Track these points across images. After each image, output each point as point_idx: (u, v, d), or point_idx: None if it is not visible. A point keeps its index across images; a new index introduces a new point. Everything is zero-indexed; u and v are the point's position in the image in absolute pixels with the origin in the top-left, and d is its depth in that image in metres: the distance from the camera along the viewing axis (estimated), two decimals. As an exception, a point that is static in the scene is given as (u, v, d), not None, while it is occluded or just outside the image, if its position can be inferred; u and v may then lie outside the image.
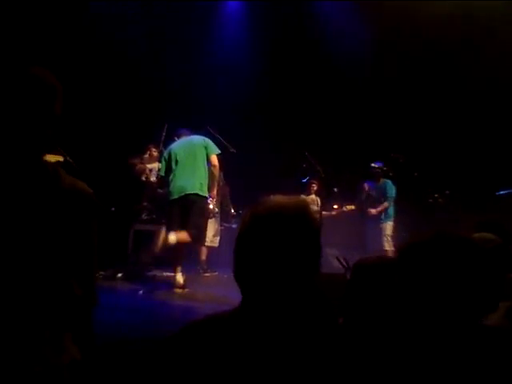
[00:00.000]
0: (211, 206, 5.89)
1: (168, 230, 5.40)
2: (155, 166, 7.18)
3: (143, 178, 7.15)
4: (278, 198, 1.28)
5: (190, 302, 4.83)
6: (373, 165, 6.97)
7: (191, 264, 6.28)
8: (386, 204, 6.91)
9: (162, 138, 6.98)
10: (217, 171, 5.61)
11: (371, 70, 7.75)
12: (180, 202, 5.36)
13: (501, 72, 6.82)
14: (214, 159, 5.59)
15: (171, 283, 5.42)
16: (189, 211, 5.30)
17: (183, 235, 5.17)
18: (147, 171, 7.21)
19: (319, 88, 8.09)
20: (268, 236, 1.21)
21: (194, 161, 5.53)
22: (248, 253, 1.24)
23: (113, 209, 6.85)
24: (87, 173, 5.99)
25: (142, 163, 7.08)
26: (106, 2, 7.21)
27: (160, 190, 7.06)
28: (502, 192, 6.65)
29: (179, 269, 5.30)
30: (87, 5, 7.16)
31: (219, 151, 5.70)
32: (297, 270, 1.21)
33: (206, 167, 5.57)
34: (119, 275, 5.90)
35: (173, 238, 5.15)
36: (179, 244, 5.17)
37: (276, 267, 1.20)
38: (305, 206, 1.28)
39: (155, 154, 7.11)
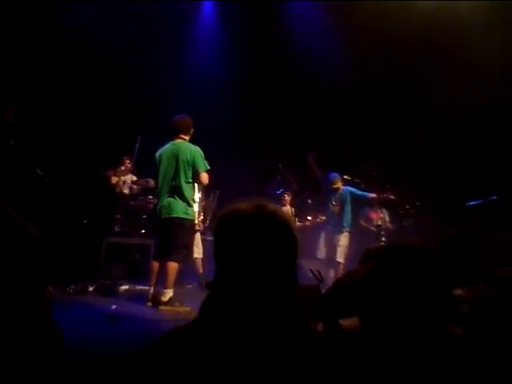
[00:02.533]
0: (196, 222, 5.71)
1: (153, 255, 5.40)
2: (128, 178, 7.10)
3: (117, 190, 7.07)
4: (245, 204, 1.27)
5: (162, 318, 4.75)
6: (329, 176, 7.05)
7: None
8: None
9: (136, 149, 6.91)
10: (204, 187, 5.34)
11: (347, 82, 7.84)
12: (166, 222, 5.17)
13: (471, 85, 7.00)
14: (204, 177, 5.14)
15: (144, 297, 5.33)
16: (175, 233, 5.10)
17: (169, 266, 5.05)
18: (120, 183, 7.13)
19: (293, 100, 8.16)
20: (241, 241, 1.20)
21: (178, 177, 5.11)
22: (220, 260, 1.23)
23: (85, 221, 6.74)
24: (59, 185, 5.93)
25: (116, 175, 7.00)
26: (80, 13, 7.14)
27: (132, 203, 7.00)
28: (471, 202, 6.77)
29: (166, 286, 5.10)
30: (60, 17, 7.07)
31: (208, 167, 5.17)
32: (270, 278, 1.20)
33: (191, 183, 5.18)
34: (91, 289, 5.80)
35: (156, 267, 5.21)
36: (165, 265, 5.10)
37: (249, 274, 1.19)
38: (276, 208, 1.26)
39: (129, 165, 7.03)
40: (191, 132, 5.31)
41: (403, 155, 7.66)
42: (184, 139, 5.26)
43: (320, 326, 1.77)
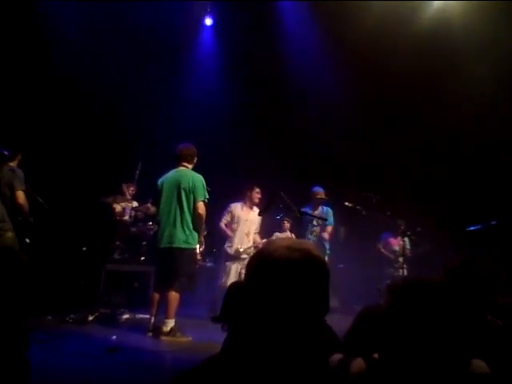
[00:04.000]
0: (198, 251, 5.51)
1: (154, 286, 5.37)
2: (129, 204, 7.09)
3: (116, 217, 7.04)
4: (284, 242, 1.28)
5: (164, 349, 4.68)
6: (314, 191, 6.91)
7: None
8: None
9: (136, 176, 6.92)
10: (201, 219, 5.12)
11: (343, 105, 7.91)
12: (166, 252, 5.10)
13: (460, 107, 7.10)
14: (201, 207, 5.06)
15: (145, 326, 5.27)
16: (176, 263, 5.04)
17: (170, 296, 4.99)
18: (120, 210, 7.12)
19: (291, 126, 8.22)
20: (277, 282, 1.20)
21: (180, 205, 5.05)
22: (254, 298, 1.23)
23: (84, 248, 6.70)
24: (58, 212, 5.91)
25: (116, 202, 6.99)
26: (73, 40, 7.19)
27: (132, 229, 6.97)
28: (471, 227, 6.78)
29: (167, 316, 5.01)
30: (51, 43, 7.13)
31: (207, 196, 5.12)
32: (302, 318, 1.21)
33: (192, 212, 5.08)
34: (90, 318, 5.72)
35: (156, 297, 5.19)
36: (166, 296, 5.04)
37: (282, 314, 1.20)
38: (311, 250, 1.27)
39: (133, 192, 7.05)
40: (194, 161, 5.31)
41: (403, 181, 7.70)
42: (187, 167, 5.25)
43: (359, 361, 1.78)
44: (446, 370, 1.36)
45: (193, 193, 5.07)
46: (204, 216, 5.12)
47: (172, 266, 5.05)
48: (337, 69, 7.76)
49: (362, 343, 1.92)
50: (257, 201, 6.58)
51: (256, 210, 6.45)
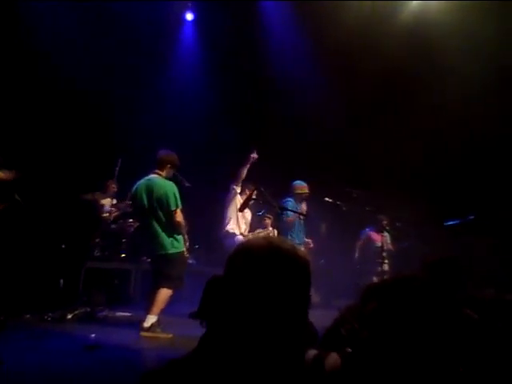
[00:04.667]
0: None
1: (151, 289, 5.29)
2: (107, 201, 7.03)
3: (101, 214, 6.99)
4: (265, 239, 1.28)
5: (143, 346, 4.65)
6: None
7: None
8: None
9: (116, 172, 6.86)
10: (180, 226, 5.15)
11: (328, 103, 7.93)
12: (158, 259, 5.20)
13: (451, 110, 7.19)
14: (177, 215, 5.10)
15: (124, 324, 5.22)
16: (167, 267, 5.09)
17: (159, 292, 5.02)
18: (99, 207, 7.05)
19: (273, 121, 8.22)
20: (258, 278, 1.20)
21: (156, 215, 5.11)
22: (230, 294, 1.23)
23: (63, 246, 6.62)
24: (36, 209, 5.83)
25: (95, 199, 6.92)
26: (53, 33, 7.08)
27: (113, 226, 6.91)
28: (449, 222, 6.87)
29: (151, 312, 5.00)
30: (34, 37, 7.01)
31: (179, 205, 5.13)
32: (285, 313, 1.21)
33: (169, 219, 5.11)
34: (69, 316, 5.66)
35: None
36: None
37: (262, 310, 1.19)
38: (293, 247, 1.27)
39: (115, 189, 7.02)
40: (169, 168, 5.30)
41: (388, 176, 7.76)
42: (159, 174, 5.28)
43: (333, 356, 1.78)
44: (424, 365, 1.37)
45: (166, 202, 5.11)
46: (182, 222, 5.18)
47: (164, 271, 5.10)
48: (317, 59, 7.79)
49: (340, 341, 1.93)
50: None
51: None
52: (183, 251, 5.24)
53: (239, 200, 6.25)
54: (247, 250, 1.25)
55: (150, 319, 4.97)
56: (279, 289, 1.20)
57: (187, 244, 5.45)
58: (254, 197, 5.15)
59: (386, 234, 7.06)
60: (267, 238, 1.28)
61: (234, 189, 6.43)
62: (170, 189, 5.13)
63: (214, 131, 8.07)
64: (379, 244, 6.90)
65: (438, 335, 1.42)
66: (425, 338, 1.39)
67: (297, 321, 1.24)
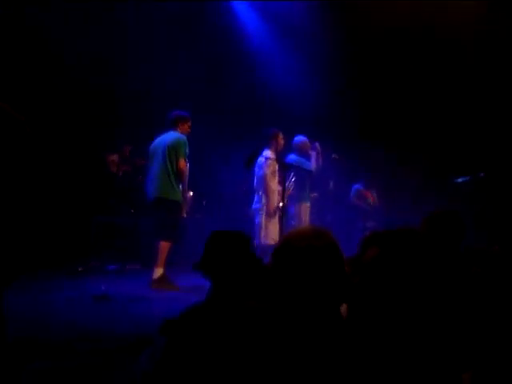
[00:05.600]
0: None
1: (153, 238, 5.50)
2: (116, 156, 7.10)
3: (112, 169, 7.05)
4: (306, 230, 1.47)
5: (151, 297, 4.76)
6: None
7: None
8: None
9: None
10: (182, 174, 5.40)
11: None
12: (154, 203, 5.45)
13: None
14: (181, 163, 5.38)
15: (134, 277, 5.35)
16: (162, 211, 5.35)
17: (160, 245, 5.24)
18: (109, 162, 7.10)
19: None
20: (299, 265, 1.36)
21: (164, 160, 5.40)
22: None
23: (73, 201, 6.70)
24: (50, 165, 5.85)
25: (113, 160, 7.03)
26: (50, 13, 6.85)
27: (122, 181, 6.99)
28: (459, 179, 6.84)
29: (157, 265, 5.19)
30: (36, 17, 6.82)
31: (186, 154, 5.43)
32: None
33: (175, 168, 5.38)
34: (80, 269, 5.80)
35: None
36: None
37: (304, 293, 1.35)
38: (333, 239, 1.44)
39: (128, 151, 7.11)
40: (185, 126, 5.62)
41: (391, 131, 7.68)
42: (176, 130, 5.58)
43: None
44: (415, 314, 1.39)
45: (175, 151, 5.40)
46: (184, 172, 5.43)
47: (158, 216, 5.38)
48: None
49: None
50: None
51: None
52: (178, 202, 5.40)
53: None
54: (289, 244, 1.42)
55: (157, 272, 5.14)
56: (319, 273, 1.37)
57: (186, 206, 5.57)
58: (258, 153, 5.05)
59: (373, 191, 7.13)
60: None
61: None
62: (182, 140, 5.46)
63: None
64: (370, 200, 6.92)
65: (435, 286, 1.43)
66: (420, 287, 1.41)
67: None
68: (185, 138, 5.50)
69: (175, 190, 5.39)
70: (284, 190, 5.20)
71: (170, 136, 5.52)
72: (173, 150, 5.39)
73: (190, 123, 5.65)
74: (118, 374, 2.55)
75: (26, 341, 2.87)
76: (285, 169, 5.36)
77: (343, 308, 1.84)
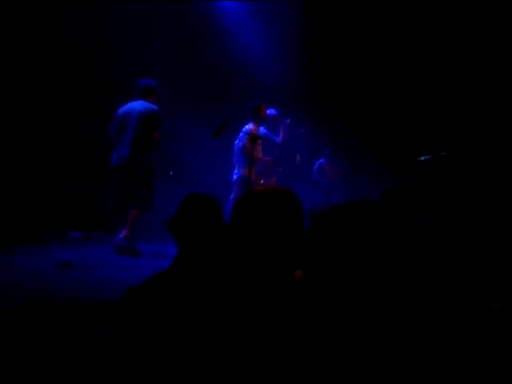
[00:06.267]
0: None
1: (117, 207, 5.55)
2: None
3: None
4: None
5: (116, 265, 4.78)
6: None
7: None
8: None
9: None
10: (155, 145, 5.40)
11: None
12: (123, 170, 5.37)
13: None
14: (156, 136, 5.39)
15: (98, 245, 5.34)
16: (132, 179, 5.34)
17: (130, 214, 5.26)
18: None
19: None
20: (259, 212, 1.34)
21: (134, 130, 5.33)
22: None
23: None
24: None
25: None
26: None
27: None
28: (422, 158, 6.99)
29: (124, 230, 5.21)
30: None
31: (161, 127, 5.45)
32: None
33: (146, 136, 5.34)
34: (44, 237, 5.74)
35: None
36: None
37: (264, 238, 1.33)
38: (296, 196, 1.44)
39: None
40: (153, 95, 5.54)
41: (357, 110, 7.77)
42: (146, 100, 5.49)
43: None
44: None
45: (150, 121, 5.35)
46: (157, 143, 5.39)
47: (130, 183, 5.32)
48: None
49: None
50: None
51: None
52: (150, 169, 5.38)
53: None
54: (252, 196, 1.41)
55: (123, 239, 5.15)
56: (278, 221, 1.35)
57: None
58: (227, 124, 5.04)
59: (337, 167, 7.28)
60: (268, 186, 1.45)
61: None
62: (158, 113, 5.40)
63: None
64: (331, 176, 7.07)
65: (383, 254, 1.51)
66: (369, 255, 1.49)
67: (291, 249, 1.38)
68: (158, 110, 5.43)
69: (147, 158, 5.36)
70: (252, 163, 5.26)
71: (142, 105, 5.42)
72: (148, 119, 5.33)
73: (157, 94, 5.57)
74: (81, 340, 2.59)
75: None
76: (253, 141, 5.39)
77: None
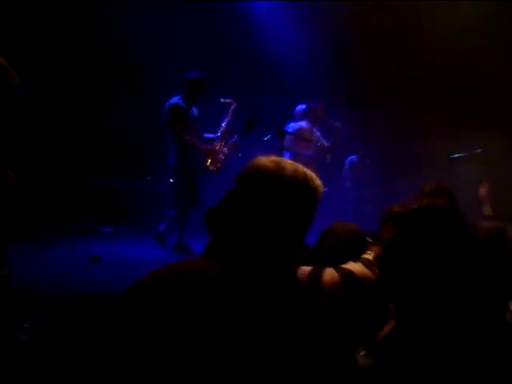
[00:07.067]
0: None
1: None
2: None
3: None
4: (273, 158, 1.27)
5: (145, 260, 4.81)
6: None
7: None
8: None
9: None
10: (177, 143, 5.24)
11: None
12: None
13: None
14: (172, 131, 5.24)
15: (128, 239, 5.38)
16: (169, 180, 5.47)
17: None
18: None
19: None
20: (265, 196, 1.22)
21: (165, 128, 5.36)
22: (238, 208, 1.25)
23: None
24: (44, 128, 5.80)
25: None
26: None
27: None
28: (455, 155, 6.84)
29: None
30: None
31: (172, 122, 5.20)
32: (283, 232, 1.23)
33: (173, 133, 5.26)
34: (75, 230, 5.82)
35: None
36: None
37: (264, 228, 1.21)
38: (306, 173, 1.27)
39: None
40: (190, 90, 5.31)
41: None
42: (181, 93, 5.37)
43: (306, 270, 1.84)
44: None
45: (163, 116, 5.25)
46: (179, 139, 5.20)
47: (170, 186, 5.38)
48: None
49: (328, 256, 1.99)
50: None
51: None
52: (176, 167, 5.28)
53: None
54: (257, 170, 1.25)
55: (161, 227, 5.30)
56: (285, 208, 1.22)
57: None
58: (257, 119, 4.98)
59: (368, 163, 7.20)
60: (277, 161, 1.27)
61: None
62: (167, 104, 5.22)
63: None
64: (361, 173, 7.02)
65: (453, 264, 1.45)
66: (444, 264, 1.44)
67: (293, 242, 1.26)
68: (172, 101, 5.22)
69: (174, 157, 5.27)
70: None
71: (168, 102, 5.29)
72: (162, 117, 5.26)
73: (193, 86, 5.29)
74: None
75: (25, 296, 2.92)
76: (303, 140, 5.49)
77: (332, 273, 1.85)
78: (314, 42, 7.44)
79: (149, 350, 1.11)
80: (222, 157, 5.38)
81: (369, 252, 1.97)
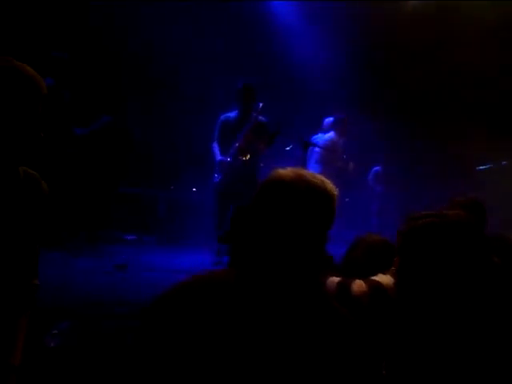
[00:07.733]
0: None
1: None
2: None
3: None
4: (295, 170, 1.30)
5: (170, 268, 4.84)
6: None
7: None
8: None
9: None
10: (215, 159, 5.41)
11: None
12: None
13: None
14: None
15: (151, 248, 5.41)
16: None
17: None
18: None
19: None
20: (284, 207, 1.24)
21: None
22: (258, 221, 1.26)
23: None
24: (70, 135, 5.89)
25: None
26: None
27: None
28: (481, 167, 6.78)
29: None
30: None
31: (214, 138, 5.43)
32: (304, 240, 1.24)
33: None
34: (99, 238, 5.89)
35: None
36: None
37: (285, 239, 1.23)
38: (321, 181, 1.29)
39: None
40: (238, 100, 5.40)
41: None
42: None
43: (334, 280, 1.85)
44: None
45: None
46: (213, 156, 5.36)
47: None
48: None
49: (357, 267, 1.99)
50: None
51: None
52: (214, 182, 5.38)
53: None
54: (278, 180, 1.27)
55: None
56: (305, 218, 1.23)
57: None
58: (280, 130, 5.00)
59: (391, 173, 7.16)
60: (297, 171, 1.30)
61: None
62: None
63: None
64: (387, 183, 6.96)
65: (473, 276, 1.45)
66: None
67: (316, 249, 1.27)
68: (220, 117, 5.40)
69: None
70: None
71: None
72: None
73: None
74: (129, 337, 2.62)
75: (51, 304, 2.96)
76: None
77: (361, 284, 1.86)
78: (340, 54, 7.47)
79: (174, 357, 1.14)
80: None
81: None
